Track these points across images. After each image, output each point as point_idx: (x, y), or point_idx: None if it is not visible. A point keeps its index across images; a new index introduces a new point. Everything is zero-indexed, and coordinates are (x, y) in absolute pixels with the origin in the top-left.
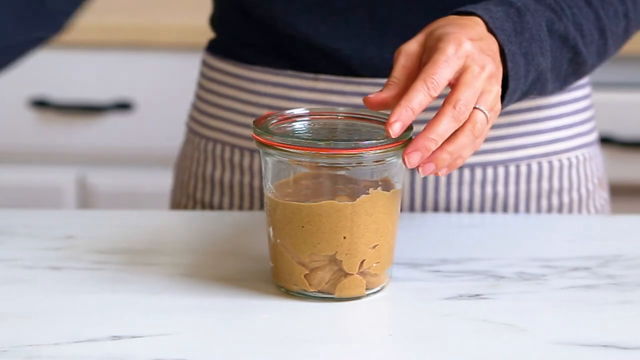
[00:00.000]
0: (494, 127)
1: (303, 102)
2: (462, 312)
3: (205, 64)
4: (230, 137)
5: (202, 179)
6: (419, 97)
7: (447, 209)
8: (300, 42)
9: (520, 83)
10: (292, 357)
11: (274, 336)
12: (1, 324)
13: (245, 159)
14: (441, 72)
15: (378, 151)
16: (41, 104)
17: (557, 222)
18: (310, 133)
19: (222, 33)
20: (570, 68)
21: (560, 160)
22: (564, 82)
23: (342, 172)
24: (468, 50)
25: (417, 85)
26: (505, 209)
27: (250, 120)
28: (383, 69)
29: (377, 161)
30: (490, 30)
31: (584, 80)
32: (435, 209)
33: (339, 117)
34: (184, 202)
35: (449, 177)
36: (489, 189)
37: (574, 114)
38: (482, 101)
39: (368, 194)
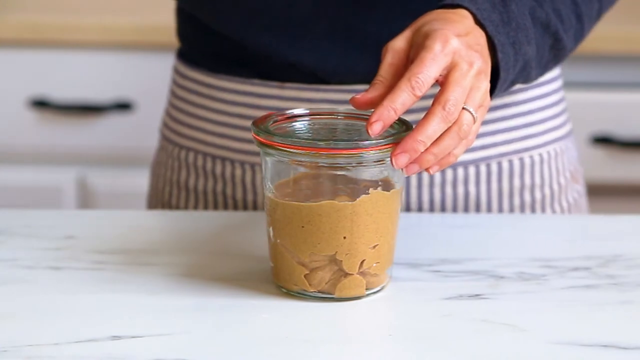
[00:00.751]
0: None
1: (271, 110)
2: (462, 312)
3: (176, 71)
4: (202, 145)
5: (177, 186)
6: (403, 97)
7: (420, 211)
8: (264, 55)
9: (510, 73)
10: (292, 357)
11: (274, 336)
12: (1, 324)
13: (217, 167)
14: (427, 71)
15: (378, 151)
16: (41, 104)
17: (557, 222)
18: (310, 133)
19: (187, 44)
20: (551, 54)
21: (531, 157)
22: (544, 68)
23: (342, 172)
24: (455, 47)
25: (402, 85)
26: (477, 208)
27: (220, 129)
28: (348, 77)
29: (377, 161)
30: (478, 22)
31: (555, 73)
32: (407, 210)
33: (339, 117)
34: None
35: (419, 178)
36: (460, 189)
37: (544, 109)
38: (469, 100)
39: (368, 194)
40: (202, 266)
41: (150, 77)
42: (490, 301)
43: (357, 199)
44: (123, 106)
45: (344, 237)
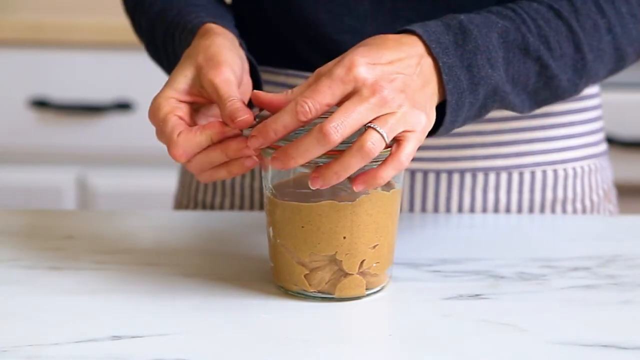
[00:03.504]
0: (497, 132)
1: None
2: (462, 312)
3: None
4: None
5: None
6: (285, 120)
7: (448, 214)
8: (303, 33)
9: (465, 97)
10: (292, 357)
11: (274, 336)
12: (1, 324)
13: None
14: (319, 98)
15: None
16: (41, 104)
17: (557, 222)
18: None
19: None
20: (540, 82)
21: (565, 170)
22: (534, 95)
23: None
24: (360, 76)
25: (288, 108)
26: None
27: None
28: None
29: (376, 161)
30: (426, 45)
31: (594, 90)
32: (435, 213)
33: None
34: (185, 204)
35: (449, 181)
36: (490, 195)
37: (582, 124)
38: (380, 121)
39: (368, 194)
40: (202, 266)
41: (150, 77)
42: (490, 301)
43: (357, 199)
44: (123, 106)
45: (344, 237)
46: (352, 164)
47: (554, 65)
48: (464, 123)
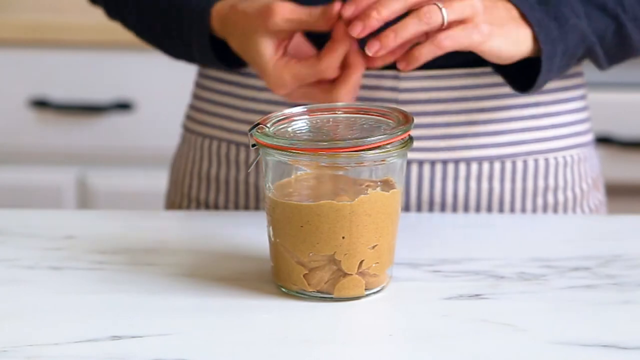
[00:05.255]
0: (489, 122)
1: None
2: (462, 312)
3: None
4: (226, 133)
5: (198, 176)
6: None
7: (443, 205)
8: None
9: (557, 44)
10: (292, 357)
11: (274, 336)
12: (1, 324)
13: (241, 155)
14: None
15: (378, 151)
16: (41, 104)
17: (557, 222)
18: (311, 132)
19: None
20: (615, 39)
21: (555, 158)
22: (609, 54)
23: (342, 172)
24: None
25: None
26: (501, 206)
27: (246, 116)
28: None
29: (377, 161)
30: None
31: (579, 80)
32: (431, 204)
33: (339, 113)
34: (179, 201)
35: (444, 171)
36: (484, 185)
37: (570, 113)
38: (447, 3)
39: (367, 194)
40: (202, 266)
41: (150, 77)
42: (490, 301)
43: (356, 199)
44: (123, 106)
45: (343, 237)
46: (408, 24)
47: (628, 26)
48: (557, 73)
